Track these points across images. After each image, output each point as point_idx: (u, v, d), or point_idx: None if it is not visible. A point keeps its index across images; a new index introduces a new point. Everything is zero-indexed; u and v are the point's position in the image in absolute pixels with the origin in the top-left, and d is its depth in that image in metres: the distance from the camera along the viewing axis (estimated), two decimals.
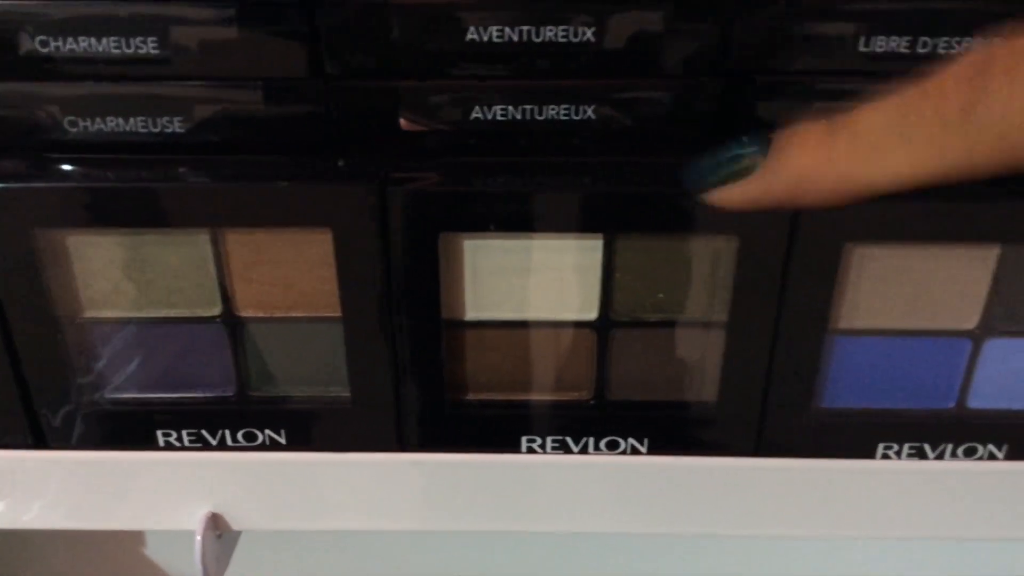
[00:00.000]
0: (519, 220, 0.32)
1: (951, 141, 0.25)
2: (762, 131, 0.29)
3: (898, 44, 0.31)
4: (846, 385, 0.36)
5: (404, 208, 0.32)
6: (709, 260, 0.33)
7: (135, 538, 0.67)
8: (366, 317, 0.34)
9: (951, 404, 0.36)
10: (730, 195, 0.29)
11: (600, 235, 0.33)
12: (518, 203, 0.32)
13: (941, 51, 0.31)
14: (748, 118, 0.33)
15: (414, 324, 0.34)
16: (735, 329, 0.34)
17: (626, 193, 0.32)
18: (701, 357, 0.35)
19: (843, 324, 0.35)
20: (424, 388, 0.35)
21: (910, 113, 0.26)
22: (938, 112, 0.25)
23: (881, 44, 0.31)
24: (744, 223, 0.32)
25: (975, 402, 0.36)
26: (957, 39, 0.31)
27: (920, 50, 0.31)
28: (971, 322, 0.34)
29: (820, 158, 0.27)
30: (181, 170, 0.33)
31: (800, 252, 0.32)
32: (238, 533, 0.42)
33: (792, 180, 0.28)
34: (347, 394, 0.36)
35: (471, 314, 0.35)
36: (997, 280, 0.33)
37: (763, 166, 0.28)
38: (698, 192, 0.30)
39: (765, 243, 0.32)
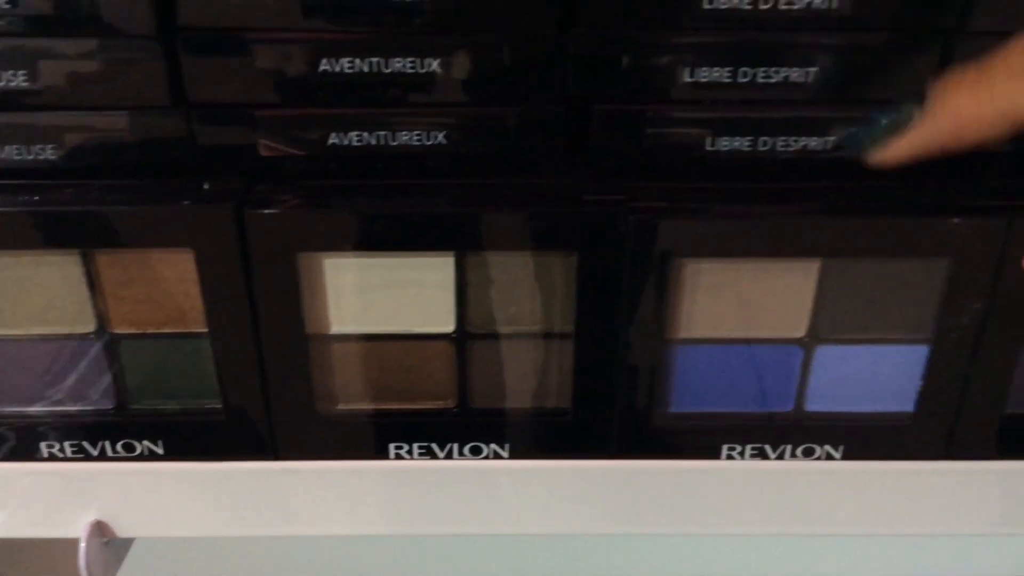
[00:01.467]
0: (375, 240, 0.35)
1: None
2: (915, 90, 0.31)
3: (720, 74, 0.34)
4: (690, 391, 0.38)
5: (261, 229, 0.34)
6: (552, 275, 0.36)
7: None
8: (232, 333, 0.36)
9: (789, 408, 0.39)
10: (897, 150, 0.32)
11: (451, 253, 0.35)
12: (373, 224, 0.34)
13: (760, 80, 0.34)
14: (593, 142, 0.35)
15: (279, 339, 0.36)
16: (581, 340, 0.36)
17: (474, 213, 0.34)
18: (554, 366, 0.38)
19: (682, 334, 0.37)
20: (293, 400, 0.37)
21: None
22: None
23: (705, 74, 0.34)
24: (583, 241, 0.34)
25: (812, 405, 0.39)
26: (775, 68, 0.34)
27: (741, 80, 0.34)
28: (800, 331, 0.37)
29: (979, 95, 0.29)
30: (53, 195, 0.35)
31: (635, 266, 0.35)
32: (130, 540, 0.43)
33: (955, 122, 0.30)
34: (220, 406, 0.38)
35: (336, 328, 0.37)
36: (820, 292, 0.36)
37: (923, 116, 0.31)
38: (863, 154, 0.32)
39: (602, 257, 0.34)
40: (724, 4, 0.33)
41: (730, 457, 0.39)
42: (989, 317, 0.36)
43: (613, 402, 0.38)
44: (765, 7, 0.33)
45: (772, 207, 0.35)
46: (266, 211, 0.33)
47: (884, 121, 0.32)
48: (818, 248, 0.35)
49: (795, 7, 0.33)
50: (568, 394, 0.38)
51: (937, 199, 0.35)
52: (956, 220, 0.34)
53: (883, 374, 0.38)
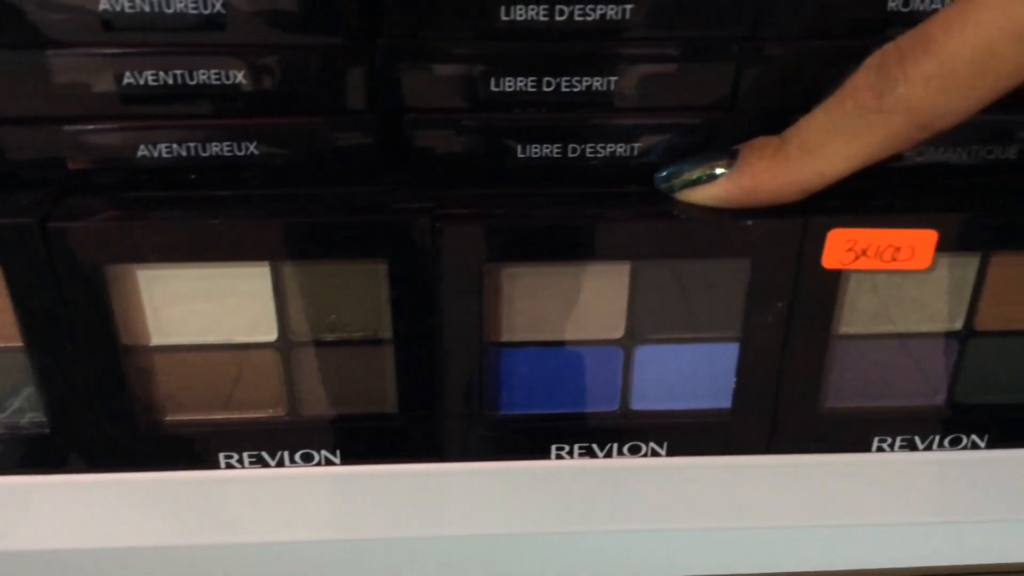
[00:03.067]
0: (186, 251, 0.35)
1: (873, 126, 0.31)
2: (726, 147, 0.35)
3: (525, 83, 0.35)
4: (519, 393, 0.39)
5: (66, 243, 0.34)
6: (368, 283, 0.36)
7: None
8: (47, 347, 0.36)
9: (615, 407, 0.40)
10: (696, 195, 0.35)
11: (266, 262, 0.36)
12: (185, 235, 0.35)
13: (564, 89, 0.35)
14: (405, 151, 0.36)
15: (92, 352, 0.36)
16: (400, 346, 0.37)
17: (285, 223, 0.35)
18: (379, 372, 0.38)
19: (504, 337, 0.38)
20: (113, 412, 0.37)
21: (836, 111, 0.32)
22: (857, 104, 0.31)
23: (510, 84, 0.35)
24: (392, 249, 0.35)
25: (637, 404, 0.40)
26: (576, 78, 0.35)
27: (545, 88, 0.35)
28: (619, 332, 0.38)
29: (774, 167, 0.33)
30: None
31: (444, 272, 0.35)
32: None
33: (750, 184, 0.34)
34: (44, 419, 0.37)
35: (156, 340, 0.37)
36: (633, 293, 0.37)
37: (727, 173, 0.34)
38: (669, 191, 0.36)
39: (412, 265, 0.35)
40: (521, 16, 0.34)
41: (559, 456, 0.40)
42: (794, 315, 0.37)
43: (437, 406, 0.38)
44: (561, 19, 0.34)
45: (580, 211, 0.35)
46: (70, 224, 0.33)
47: (690, 169, 0.35)
48: (627, 251, 0.36)
49: (590, 19, 0.34)
50: (394, 400, 0.38)
51: None
52: (750, 222, 0.35)
53: (701, 372, 0.39)
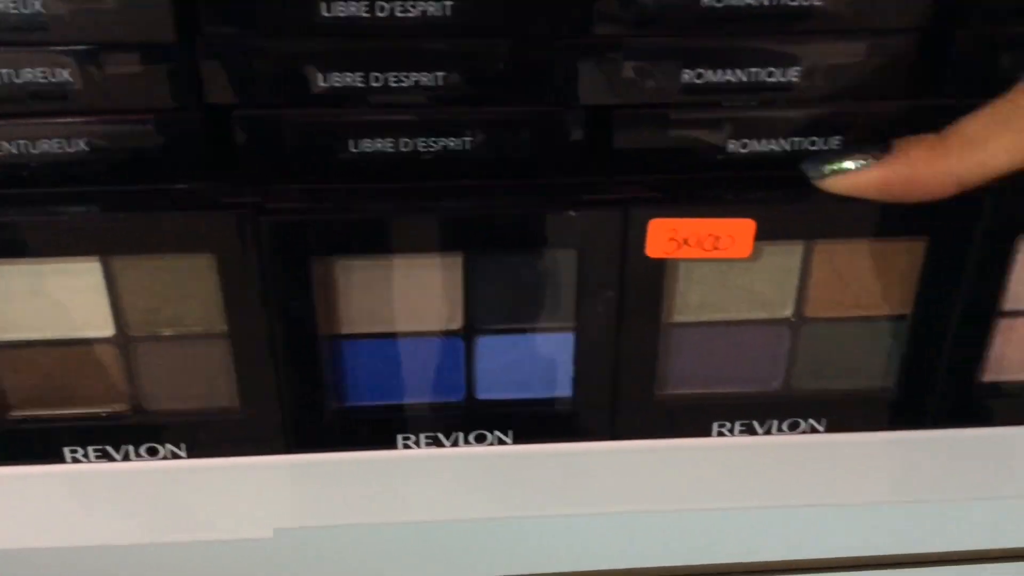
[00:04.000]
0: (16, 247, 0.35)
1: None
2: (881, 138, 0.35)
3: (353, 79, 0.36)
4: (362, 385, 0.40)
5: None
6: (200, 278, 0.37)
7: None
8: None
9: (461, 397, 0.41)
10: (846, 182, 0.36)
11: (96, 257, 0.36)
12: (12, 231, 0.35)
13: (392, 84, 0.36)
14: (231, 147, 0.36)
15: None
16: (237, 339, 0.37)
17: (115, 218, 0.35)
18: (220, 366, 0.38)
19: (344, 330, 0.38)
20: None
21: (1006, 107, 0.33)
22: None
23: (338, 79, 0.36)
24: (221, 244, 0.35)
25: (482, 394, 0.41)
26: (404, 73, 0.36)
27: (374, 84, 0.36)
28: (457, 322, 0.39)
29: (933, 158, 0.34)
30: None
31: (273, 266, 0.36)
32: None
33: (907, 173, 0.34)
34: None
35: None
36: (468, 285, 0.38)
37: (881, 163, 0.35)
38: (817, 177, 0.36)
39: (240, 259, 0.36)
40: (343, 12, 0.34)
41: (406, 446, 0.41)
42: (625, 304, 0.38)
43: (282, 400, 0.39)
44: (382, 15, 0.34)
45: (406, 204, 0.36)
46: None
47: (842, 156, 0.36)
48: (460, 243, 0.37)
49: (411, 15, 0.34)
50: (236, 395, 0.39)
51: (561, 194, 0.37)
52: (573, 213, 0.36)
53: (542, 361, 0.40)
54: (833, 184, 0.36)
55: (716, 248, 0.37)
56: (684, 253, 0.37)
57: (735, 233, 0.37)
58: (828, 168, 0.36)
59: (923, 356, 0.40)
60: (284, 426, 0.39)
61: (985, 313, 0.39)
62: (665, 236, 0.36)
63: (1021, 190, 0.37)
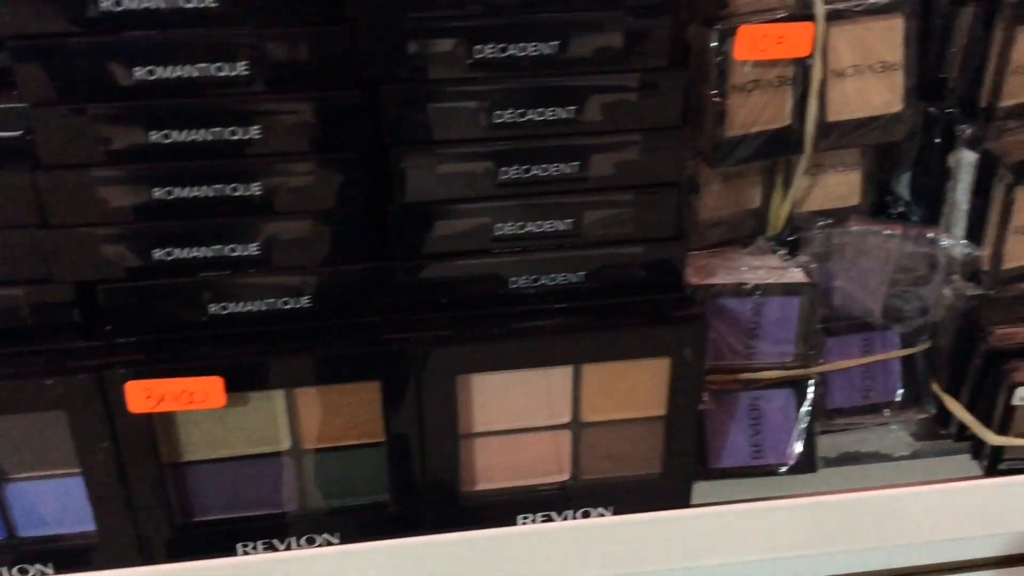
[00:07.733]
0: None
1: None
2: None
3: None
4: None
5: None
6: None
7: None
8: None
9: (3, 536, 0.46)
10: None
11: None
12: None
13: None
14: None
15: None
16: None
17: None
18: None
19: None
20: None
21: None
22: None
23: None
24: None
25: (24, 532, 0.46)
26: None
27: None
28: None
29: None
30: None
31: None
32: None
33: None
34: None
35: None
36: None
37: None
38: None
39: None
40: None
41: None
42: (123, 450, 0.44)
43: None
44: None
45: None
46: None
47: None
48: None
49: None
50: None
51: (49, 361, 0.43)
52: (50, 381, 0.42)
53: (75, 501, 0.45)
54: None
55: (193, 401, 0.43)
56: (164, 407, 0.43)
57: (207, 388, 0.43)
58: None
59: (404, 474, 0.47)
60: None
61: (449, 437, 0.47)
62: (143, 395, 0.43)
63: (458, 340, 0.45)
